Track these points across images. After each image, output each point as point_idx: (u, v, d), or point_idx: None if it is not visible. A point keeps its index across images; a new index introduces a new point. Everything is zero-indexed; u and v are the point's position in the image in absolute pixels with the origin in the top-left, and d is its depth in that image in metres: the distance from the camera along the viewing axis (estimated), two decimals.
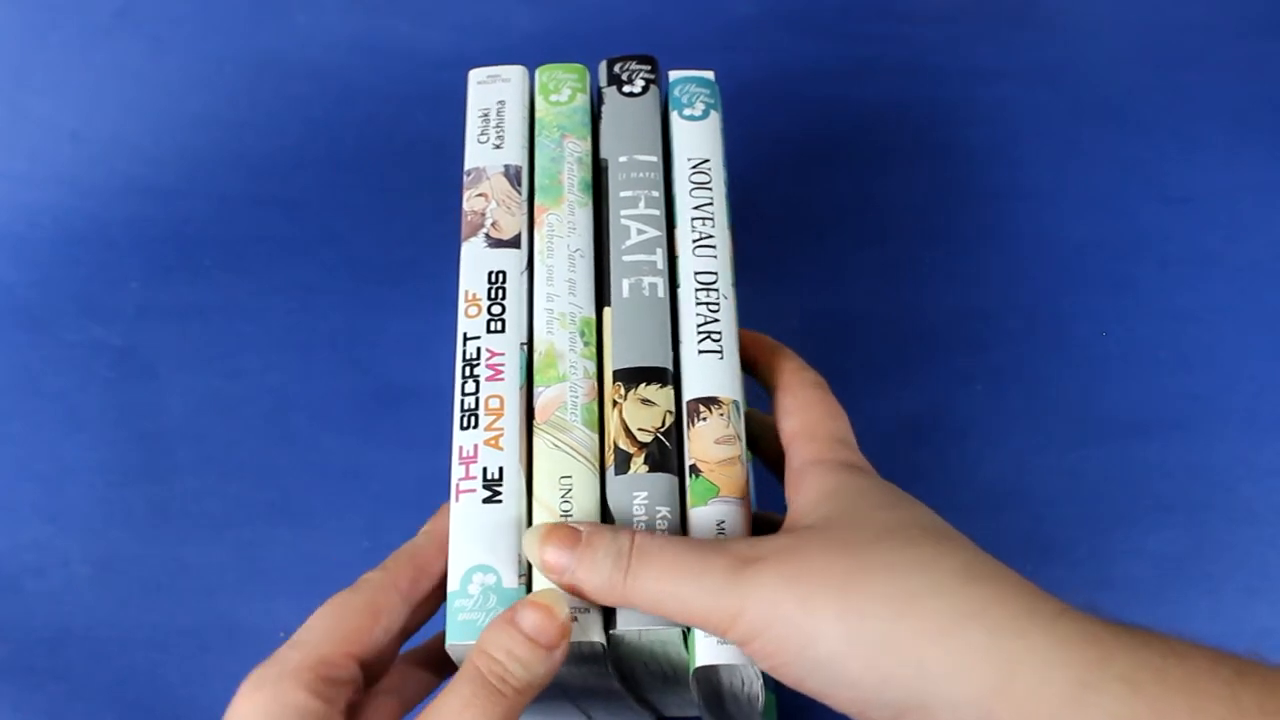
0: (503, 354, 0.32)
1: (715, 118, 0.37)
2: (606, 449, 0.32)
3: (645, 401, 0.32)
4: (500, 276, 0.34)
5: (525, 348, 0.33)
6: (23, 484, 0.50)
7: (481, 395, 0.32)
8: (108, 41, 0.60)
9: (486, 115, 0.38)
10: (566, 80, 0.38)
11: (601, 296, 0.34)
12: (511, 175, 0.36)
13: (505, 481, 0.30)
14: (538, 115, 0.38)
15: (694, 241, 0.35)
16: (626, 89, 0.37)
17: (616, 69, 0.38)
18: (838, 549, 0.27)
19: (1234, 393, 0.51)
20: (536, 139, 0.37)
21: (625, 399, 0.32)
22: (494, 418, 0.31)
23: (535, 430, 0.32)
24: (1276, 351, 0.52)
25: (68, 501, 0.49)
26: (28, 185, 0.56)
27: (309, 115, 0.59)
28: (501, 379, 0.32)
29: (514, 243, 0.35)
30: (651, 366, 0.33)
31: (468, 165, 0.37)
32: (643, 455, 0.31)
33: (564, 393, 0.32)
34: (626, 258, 0.34)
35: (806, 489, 0.30)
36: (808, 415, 0.33)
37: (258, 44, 0.60)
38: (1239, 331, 0.53)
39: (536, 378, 0.33)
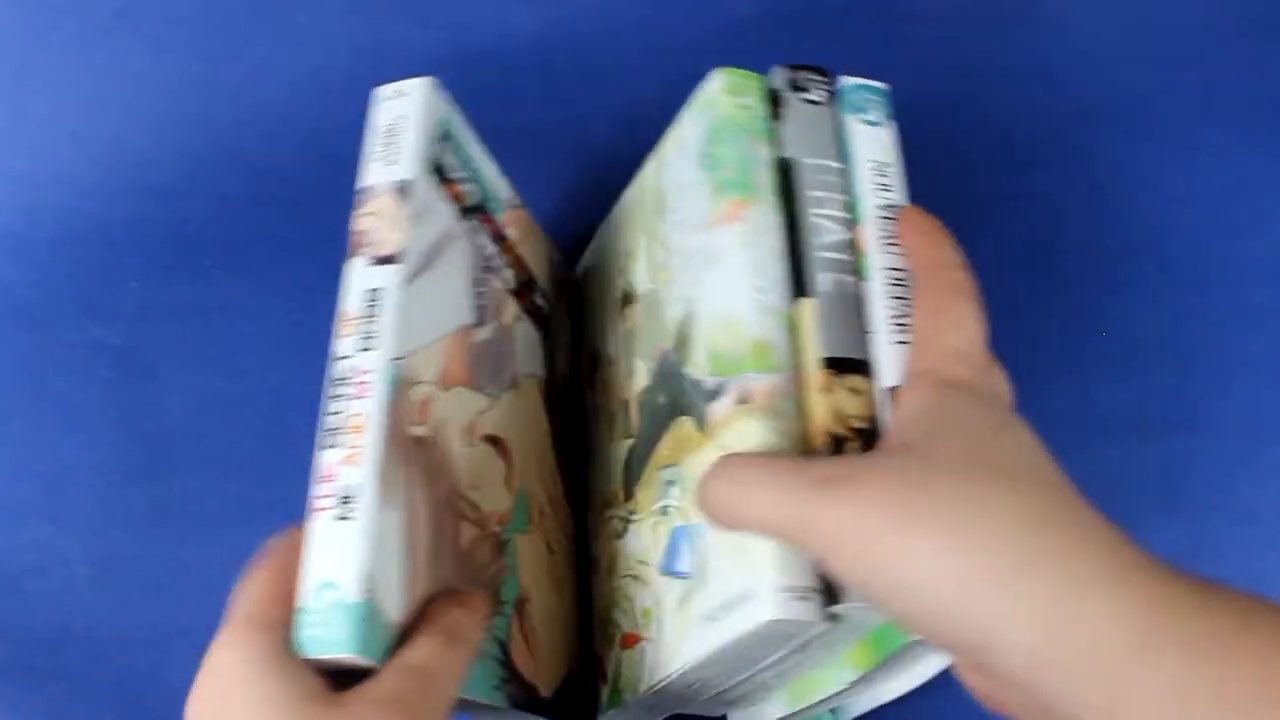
0: (370, 371, 0.32)
1: (892, 125, 0.38)
2: (815, 435, 0.32)
3: (854, 390, 0.33)
4: (376, 294, 0.34)
5: (396, 362, 0.33)
6: (23, 484, 0.50)
7: (345, 414, 0.32)
8: (108, 41, 0.60)
9: (386, 132, 0.38)
10: (749, 86, 0.38)
11: (800, 289, 0.35)
12: (400, 191, 0.36)
13: (360, 499, 0.31)
14: (724, 113, 0.38)
15: (881, 239, 0.36)
16: (808, 97, 0.38)
17: (796, 77, 0.38)
18: (912, 479, 0.26)
19: (1234, 393, 0.51)
20: (724, 136, 0.37)
21: (835, 388, 0.33)
22: (354, 435, 0.31)
23: (749, 414, 0.33)
24: (1276, 352, 0.52)
25: (68, 501, 0.49)
26: (28, 185, 0.56)
27: (309, 115, 0.59)
28: (367, 397, 0.32)
29: (393, 259, 0.35)
30: (856, 358, 0.33)
31: (360, 185, 0.37)
32: (858, 441, 0.32)
33: (783, 381, 0.33)
34: (823, 254, 0.35)
35: (905, 403, 0.30)
36: (932, 321, 0.32)
37: (258, 44, 0.60)
38: (1239, 331, 0.53)
39: (748, 364, 0.33)
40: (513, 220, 0.44)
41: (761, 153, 0.37)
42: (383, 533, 0.30)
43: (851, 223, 0.36)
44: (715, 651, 0.32)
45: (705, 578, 0.33)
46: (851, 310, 0.34)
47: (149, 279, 0.54)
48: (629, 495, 0.40)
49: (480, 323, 0.39)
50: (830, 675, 0.37)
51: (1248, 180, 0.57)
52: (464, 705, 0.35)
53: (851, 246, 0.35)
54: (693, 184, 0.39)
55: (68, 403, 0.52)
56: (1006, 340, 0.53)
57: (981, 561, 0.24)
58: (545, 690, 0.39)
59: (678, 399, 0.37)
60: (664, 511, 0.36)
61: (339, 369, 0.33)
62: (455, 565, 0.34)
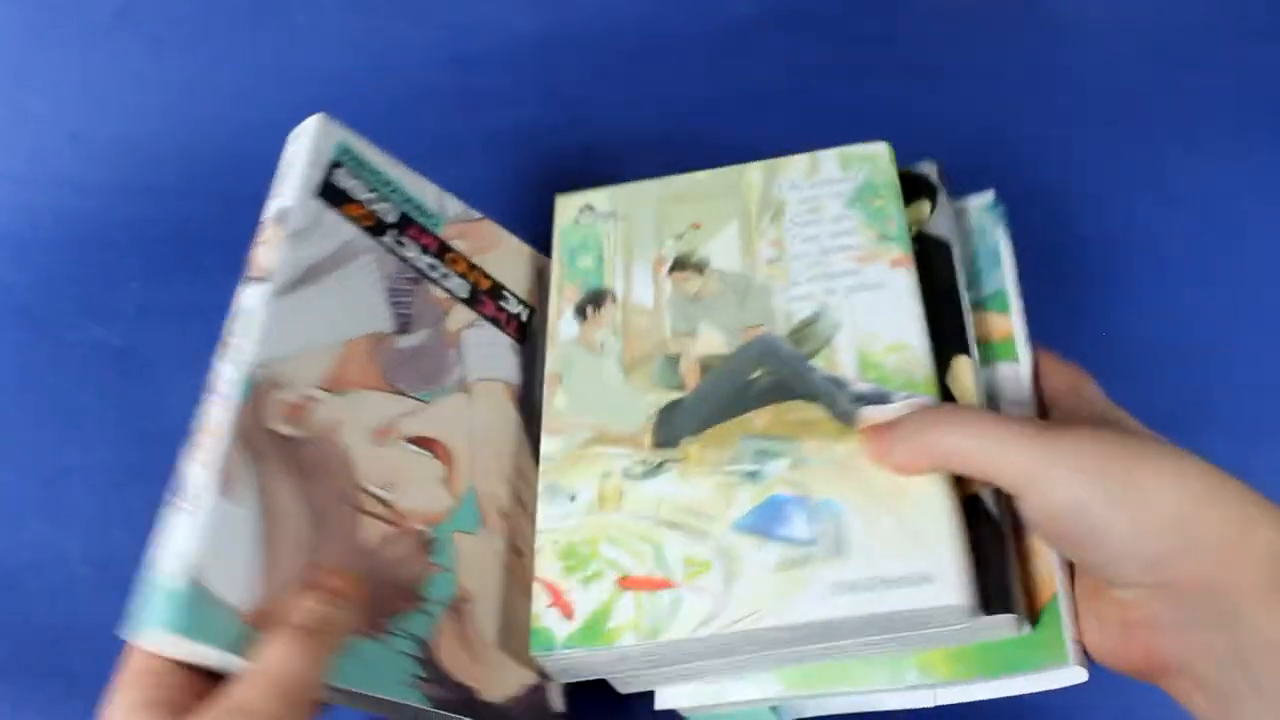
0: (226, 379, 0.36)
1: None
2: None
3: None
4: (243, 311, 0.38)
5: (256, 370, 0.36)
6: (23, 483, 0.50)
7: (204, 420, 0.36)
8: (108, 41, 0.60)
9: (282, 170, 0.43)
10: (892, 161, 0.48)
11: (954, 348, 0.43)
12: (278, 218, 0.41)
13: (201, 497, 0.34)
14: (885, 178, 0.47)
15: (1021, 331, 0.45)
16: (957, 202, 0.49)
17: (941, 171, 0.49)
18: (1114, 434, 0.33)
19: (1234, 393, 0.51)
20: (887, 195, 0.47)
21: None
22: (206, 437, 0.35)
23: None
24: (1276, 351, 0.52)
25: (68, 501, 0.49)
26: (28, 186, 0.56)
27: (309, 115, 0.59)
28: (219, 403, 0.36)
29: (261, 279, 0.39)
30: None
31: (262, 217, 0.42)
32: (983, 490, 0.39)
33: None
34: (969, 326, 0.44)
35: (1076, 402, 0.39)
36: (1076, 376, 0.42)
37: (258, 44, 0.61)
38: (1239, 331, 0.53)
39: (921, 387, 0.40)
40: (462, 232, 0.47)
41: (906, 221, 0.46)
42: (223, 525, 0.33)
43: (979, 306, 0.45)
44: (859, 618, 0.35)
45: (844, 550, 0.36)
46: (983, 378, 0.43)
47: (149, 279, 0.54)
48: (662, 443, 0.41)
49: (402, 330, 0.42)
50: (878, 673, 0.40)
51: (1248, 180, 0.57)
52: (374, 703, 0.36)
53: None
54: (839, 217, 0.47)
55: (68, 403, 0.52)
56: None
57: (1195, 481, 0.31)
58: (491, 694, 0.39)
59: (792, 384, 0.42)
60: (752, 476, 0.39)
61: (207, 380, 0.36)
62: (355, 560, 0.36)
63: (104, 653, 0.46)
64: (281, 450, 0.36)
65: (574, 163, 0.57)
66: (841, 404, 0.41)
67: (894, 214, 0.46)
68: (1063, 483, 0.32)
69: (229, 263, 0.55)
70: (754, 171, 0.49)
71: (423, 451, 0.41)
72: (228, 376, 0.36)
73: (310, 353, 0.38)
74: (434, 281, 0.44)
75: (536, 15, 0.62)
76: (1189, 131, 0.59)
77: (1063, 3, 0.64)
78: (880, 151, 0.48)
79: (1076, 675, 0.37)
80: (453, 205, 0.47)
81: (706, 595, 0.37)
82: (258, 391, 0.36)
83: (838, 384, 0.42)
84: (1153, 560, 0.31)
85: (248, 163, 0.58)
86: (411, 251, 0.44)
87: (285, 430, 0.36)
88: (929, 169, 0.49)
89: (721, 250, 0.47)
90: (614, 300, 0.46)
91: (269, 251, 0.39)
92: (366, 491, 0.38)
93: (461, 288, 0.46)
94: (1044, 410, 0.41)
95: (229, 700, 0.30)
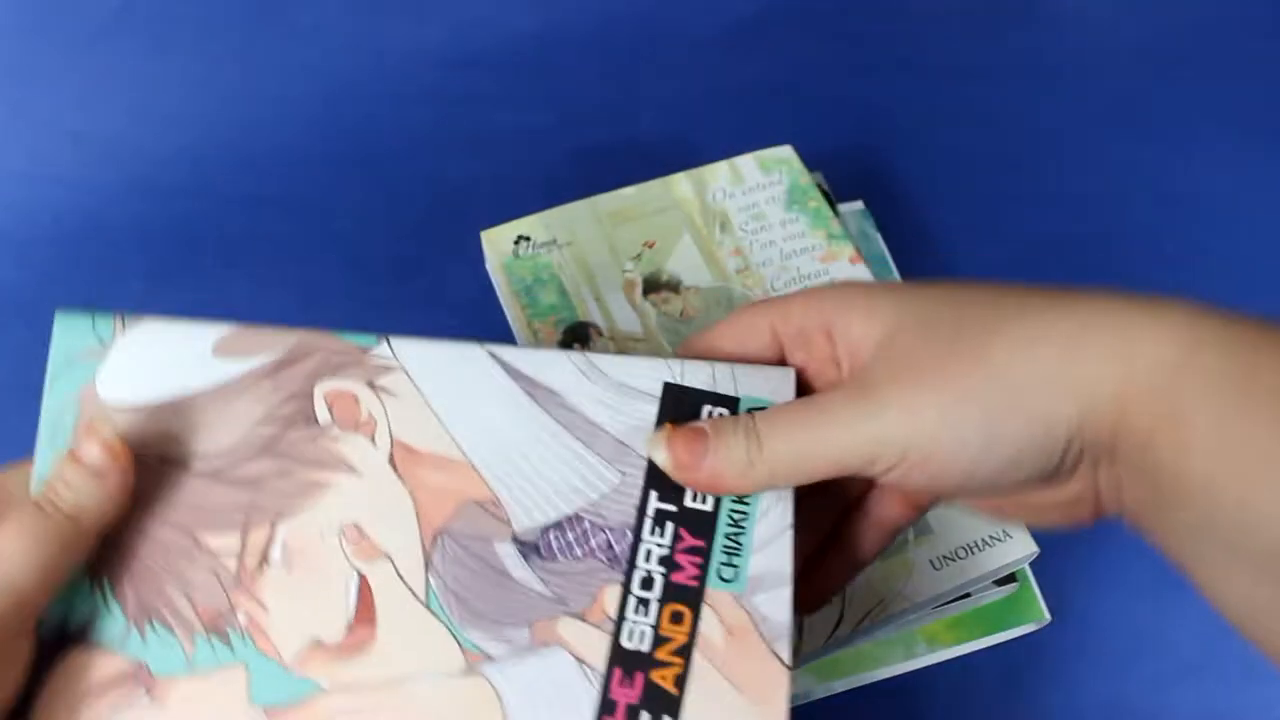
0: None
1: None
2: None
3: None
4: None
5: None
6: None
7: None
8: (108, 41, 0.60)
9: None
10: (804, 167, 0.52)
11: None
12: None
13: None
14: (801, 181, 0.51)
15: None
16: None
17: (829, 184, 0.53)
18: (942, 351, 0.27)
19: None
20: (814, 197, 0.50)
21: None
22: None
23: None
24: None
25: None
26: (28, 184, 0.56)
27: (309, 115, 0.59)
28: None
29: None
30: None
31: None
32: None
33: None
34: None
35: (855, 319, 0.29)
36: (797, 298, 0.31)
37: (258, 44, 0.61)
38: None
39: None
40: None
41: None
42: None
43: None
44: (966, 582, 0.41)
45: (931, 533, 0.42)
46: None
47: (150, 278, 0.54)
48: None
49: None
50: (894, 652, 0.44)
51: (1248, 180, 0.57)
52: None
53: None
54: (785, 220, 0.49)
55: None
56: None
57: (1060, 347, 0.26)
58: None
59: None
60: None
61: None
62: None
63: None
64: None
65: (573, 162, 0.57)
66: None
67: (829, 214, 0.49)
68: (933, 442, 0.26)
69: (229, 262, 0.55)
70: (681, 182, 0.50)
71: None
72: None
73: None
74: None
75: (536, 15, 0.62)
76: (1189, 131, 0.59)
77: (1063, 3, 0.64)
78: (791, 155, 0.51)
79: (1043, 622, 0.45)
80: None
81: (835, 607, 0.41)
82: None
83: None
84: (1060, 445, 0.26)
85: (248, 163, 0.58)
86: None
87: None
88: (818, 178, 0.52)
89: (686, 266, 0.48)
90: (599, 332, 0.46)
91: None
92: None
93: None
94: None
95: None
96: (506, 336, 0.49)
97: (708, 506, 0.29)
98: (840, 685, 0.44)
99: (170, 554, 0.29)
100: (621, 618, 0.28)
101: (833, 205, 0.51)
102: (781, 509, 0.29)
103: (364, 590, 0.29)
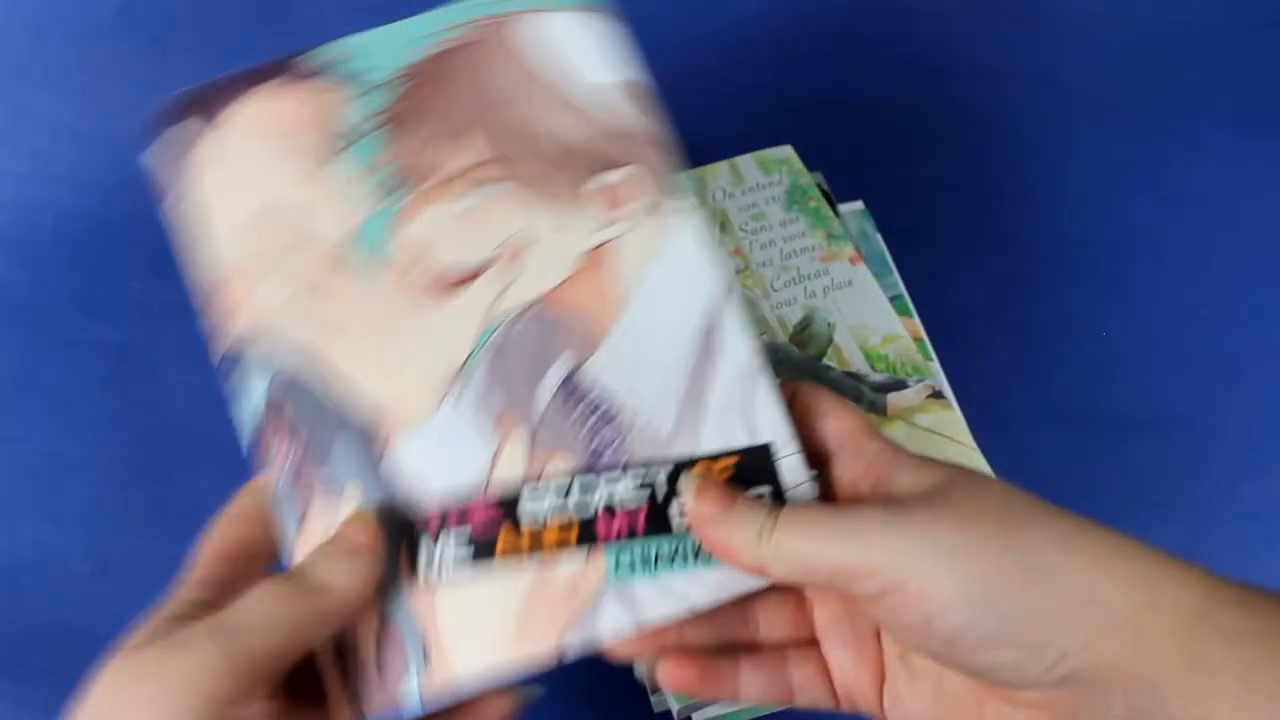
0: None
1: None
2: None
3: None
4: None
5: None
6: (22, 481, 0.50)
7: None
8: (108, 41, 0.60)
9: None
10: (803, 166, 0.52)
11: None
12: None
13: None
14: (802, 182, 0.52)
15: None
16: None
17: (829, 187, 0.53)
18: (987, 503, 0.28)
19: (1234, 392, 0.51)
20: (814, 197, 0.51)
21: None
22: None
23: (946, 406, 0.46)
24: (1276, 351, 0.52)
25: (67, 499, 0.49)
26: (29, 184, 0.56)
27: None
28: None
29: None
30: None
31: None
32: None
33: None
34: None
35: (908, 468, 0.30)
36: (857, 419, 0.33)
37: (257, 44, 0.60)
38: (1239, 331, 0.53)
39: (925, 371, 0.46)
40: None
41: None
42: None
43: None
44: None
45: None
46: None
47: (149, 278, 0.54)
48: None
49: None
50: None
51: (1248, 180, 0.57)
52: None
53: None
54: (784, 221, 0.50)
55: (67, 401, 0.52)
56: (1006, 339, 0.53)
57: (1087, 555, 0.26)
58: None
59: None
60: None
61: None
62: None
63: (103, 650, 0.46)
64: None
65: None
66: (867, 395, 0.44)
67: (829, 213, 0.50)
68: (928, 577, 0.26)
69: None
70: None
71: None
72: None
73: None
74: None
75: None
76: (1189, 131, 0.59)
77: (1063, 2, 0.64)
78: (791, 155, 0.51)
79: None
80: None
81: None
82: None
83: (857, 378, 0.44)
84: (1061, 651, 0.26)
85: None
86: None
87: None
88: (818, 178, 0.52)
89: None
90: None
91: None
92: None
93: None
94: (818, 449, 0.33)
95: (187, 629, 0.28)
96: None
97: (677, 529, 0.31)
98: None
99: None
100: (538, 480, 0.32)
101: (833, 205, 0.51)
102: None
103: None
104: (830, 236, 0.49)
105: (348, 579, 0.29)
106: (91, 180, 0.56)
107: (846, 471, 0.32)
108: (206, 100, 0.37)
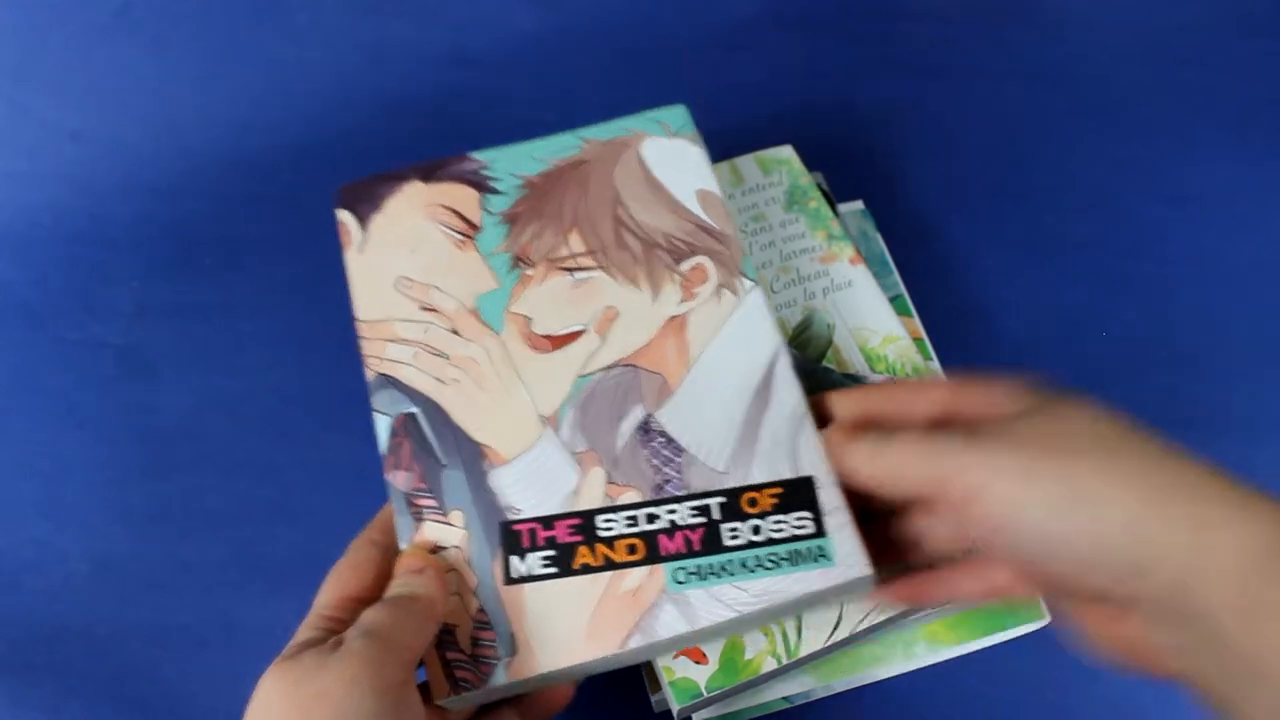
0: None
1: None
2: None
3: None
4: None
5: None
6: (22, 481, 0.50)
7: None
8: (108, 41, 0.60)
9: None
10: (785, 161, 0.52)
11: None
12: None
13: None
14: (801, 181, 0.51)
15: None
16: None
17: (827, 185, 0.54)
18: (1051, 431, 0.31)
19: (1234, 393, 0.51)
20: (814, 197, 0.51)
21: None
22: None
23: None
24: (1276, 351, 0.52)
25: (67, 499, 0.49)
26: (28, 184, 0.56)
27: (309, 115, 0.59)
28: None
29: None
30: None
31: None
32: None
33: None
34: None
35: (998, 393, 0.35)
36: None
37: (257, 44, 0.61)
38: (1239, 331, 0.53)
39: (925, 371, 0.47)
40: None
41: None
42: None
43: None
44: None
45: None
46: None
47: (149, 278, 0.54)
48: None
49: None
50: (893, 653, 0.44)
51: (1248, 180, 0.57)
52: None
53: None
54: (784, 221, 0.50)
55: (67, 401, 0.52)
56: (1006, 339, 0.53)
57: (1137, 488, 0.29)
58: None
59: (811, 388, 0.42)
60: None
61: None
62: None
63: (103, 651, 0.46)
64: None
65: None
66: None
67: (829, 214, 0.50)
68: (1009, 494, 0.30)
69: (229, 262, 0.55)
70: None
71: None
72: None
73: None
74: None
75: (536, 15, 0.62)
76: (1189, 131, 0.59)
77: (1063, 2, 0.64)
78: (791, 155, 0.52)
79: (1043, 622, 0.44)
80: None
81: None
82: None
83: (856, 380, 0.45)
84: (1118, 573, 0.29)
85: (248, 163, 0.58)
86: None
87: None
88: (818, 178, 0.52)
89: None
90: None
91: None
92: None
93: None
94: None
95: (333, 640, 0.33)
96: None
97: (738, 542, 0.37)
98: (840, 685, 0.44)
99: None
100: (613, 507, 0.38)
101: (833, 205, 0.51)
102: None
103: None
104: (830, 237, 0.49)
105: (425, 590, 0.36)
106: (91, 180, 0.57)
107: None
108: (375, 183, 0.46)
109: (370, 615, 0.34)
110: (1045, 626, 0.45)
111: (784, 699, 0.43)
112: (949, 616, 0.44)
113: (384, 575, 0.37)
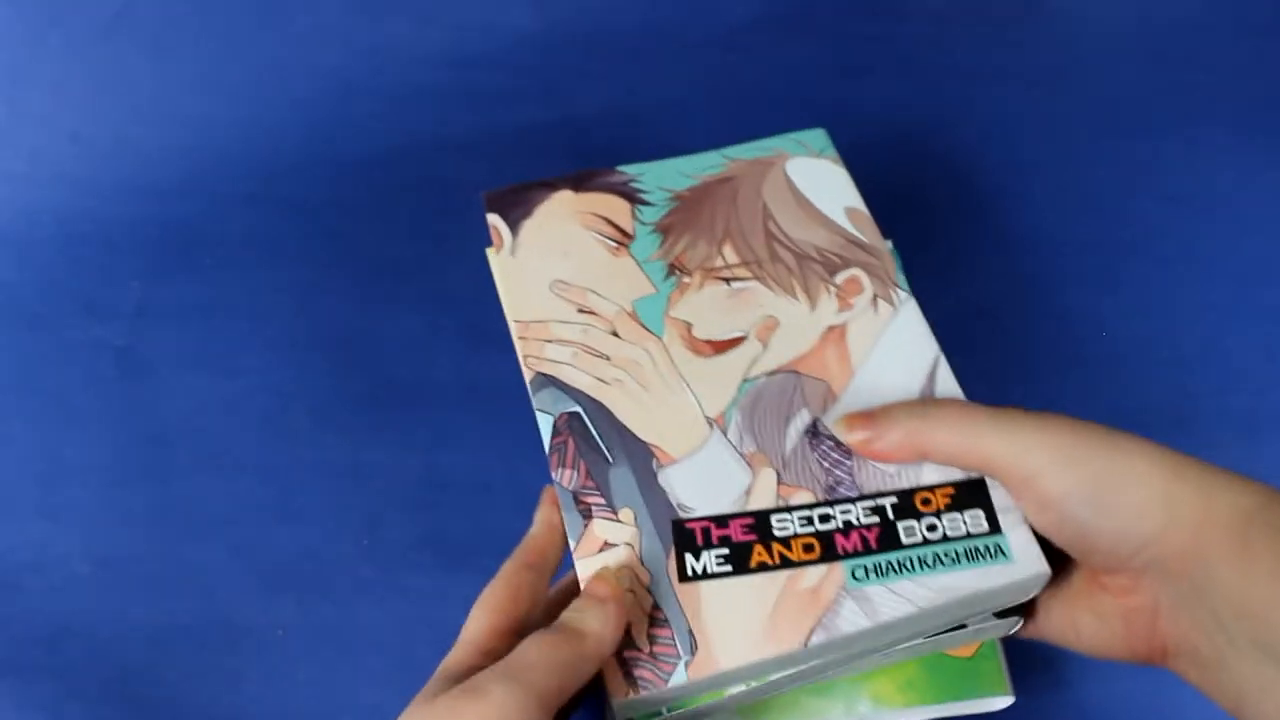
0: None
1: None
2: None
3: None
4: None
5: None
6: (23, 482, 0.50)
7: None
8: (108, 41, 0.60)
9: None
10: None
11: None
12: None
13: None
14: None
15: None
16: None
17: None
18: (1078, 420, 0.34)
19: (1234, 392, 0.51)
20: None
21: None
22: None
23: None
24: (1275, 351, 0.52)
25: (67, 500, 0.49)
26: (28, 185, 0.57)
27: (309, 115, 0.59)
28: None
29: None
30: None
31: None
32: None
33: None
34: None
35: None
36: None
37: (258, 44, 0.61)
38: (1239, 331, 0.53)
39: None
40: None
41: None
42: None
43: None
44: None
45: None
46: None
47: (149, 279, 0.54)
48: None
49: None
50: (833, 705, 0.42)
51: (1248, 180, 0.57)
52: None
53: None
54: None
55: (68, 402, 0.52)
56: (1006, 339, 0.53)
57: (1163, 463, 0.33)
58: None
59: None
60: None
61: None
62: None
63: (103, 651, 0.47)
64: None
65: (573, 162, 0.57)
66: None
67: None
68: (1052, 473, 0.34)
69: (229, 262, 0.55)
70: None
71: None
72: None
73: None
74: None
75: (536, 15, 0.62)
76: (1189, 131, 0.59)
77: (1063, 2, 0.64)
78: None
79: (1006, 700, 0.42)
80: None
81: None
82: None
83: None
84: (1143, 539, 0.33)
85: (248, 163, 0.58)
86: None
87: None
88: None
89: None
90: None
91: None
92: None
93: None
94: None
95: (471, 681, 0.32)
96: (504, 328, 0.49)
97: (910, 542, 0.37)
98: None
99: None
100: (787, 508, 0.38)
101: None
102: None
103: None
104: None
105: (600, 626, 0.34)
106: (91, 181, 0.57)
107: None
108: (526, 190, 0.46)
109: (523, 652, 0.33)
110: (1009, 708, 0.42)
111: None
112: (902, 672, 0.42)
113: (539, 602, 0.37)
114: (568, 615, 0.35)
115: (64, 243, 0.55)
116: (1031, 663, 0.44)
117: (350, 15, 0.62)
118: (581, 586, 0.36)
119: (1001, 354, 0.52)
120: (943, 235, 0.56)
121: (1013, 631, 0.39)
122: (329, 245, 0.55)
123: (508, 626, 0.36)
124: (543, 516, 0.40)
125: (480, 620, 0.36)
